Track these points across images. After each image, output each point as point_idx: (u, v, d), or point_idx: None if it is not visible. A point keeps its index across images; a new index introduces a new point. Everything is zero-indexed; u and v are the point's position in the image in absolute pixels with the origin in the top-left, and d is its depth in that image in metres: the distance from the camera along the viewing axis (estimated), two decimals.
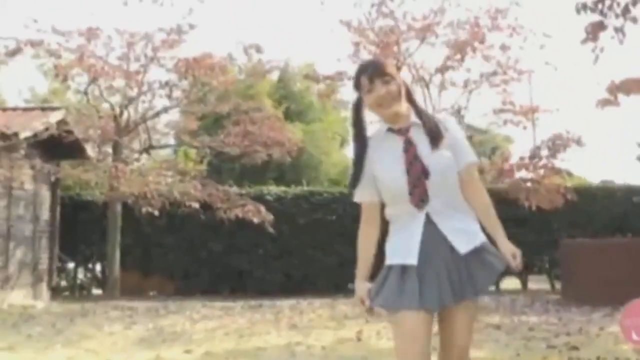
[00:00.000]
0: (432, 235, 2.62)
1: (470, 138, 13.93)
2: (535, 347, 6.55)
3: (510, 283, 15.17)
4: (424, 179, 2.61)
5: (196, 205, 12.21)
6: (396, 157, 2.66)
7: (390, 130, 2.73)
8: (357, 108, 2.83)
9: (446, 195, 2.65)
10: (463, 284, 2.59)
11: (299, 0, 41.20)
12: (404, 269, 2.63)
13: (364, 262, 2.79)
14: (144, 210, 11.89)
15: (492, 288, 14.81)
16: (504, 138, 25.38)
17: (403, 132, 2.70)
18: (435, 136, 2.67)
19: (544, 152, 12.40)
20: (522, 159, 12.58)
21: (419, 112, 2.76)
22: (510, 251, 2.62)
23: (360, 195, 2.80)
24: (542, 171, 12.27)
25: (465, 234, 2.65)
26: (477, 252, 2.64)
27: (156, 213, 12.00)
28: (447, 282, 2.57)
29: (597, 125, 36.21)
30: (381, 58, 2.89)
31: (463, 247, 2.61)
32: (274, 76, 21.62)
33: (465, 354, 2.72)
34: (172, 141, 17.39)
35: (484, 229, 2.73)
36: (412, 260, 2.60)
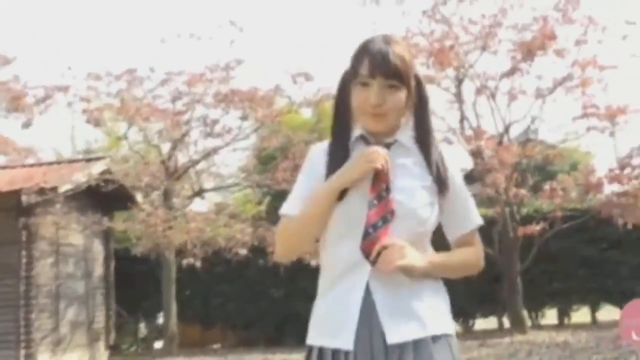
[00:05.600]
0: (369, 311, 1.78)
1: (546, 157, 12.50)
2: None
3: (606, 313, 13.36)
4: (388, 222, 1.77)
5: (244, 251, 11.27)
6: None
7: (363, 138, 1.90)
8: (342, 93, 1.92)
9: None
10: None
11: (344, 22, 40.03)
12: (334, 354, 1.78)
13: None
14: (184, 262, 11.02)
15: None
16: (584, 153, 23.20)
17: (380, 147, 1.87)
18: (442, 181, 1.85)
19: (636, 161, 10.86)
20: (611, 170, 11.06)
21: (423, 138, 1.89)
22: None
23: (292, 207, 1.89)
24: (636, 182, 10.72)
25: (410, 317, 1.78)
26: (423, 347, 1.75)
27: (198, 264, 11.10)
28: None
29: None
30: (399, 46, 1.84)
31: (395, 335, 1.75)
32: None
33: None
34: (227, 183, 16.67)
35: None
36: (346, 343, 1.77)
